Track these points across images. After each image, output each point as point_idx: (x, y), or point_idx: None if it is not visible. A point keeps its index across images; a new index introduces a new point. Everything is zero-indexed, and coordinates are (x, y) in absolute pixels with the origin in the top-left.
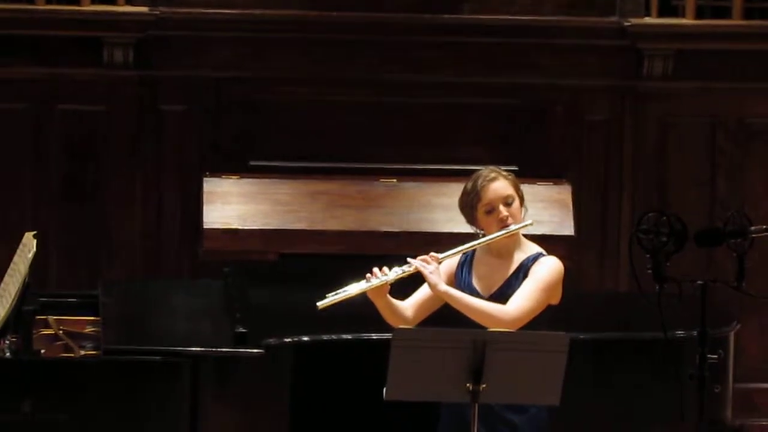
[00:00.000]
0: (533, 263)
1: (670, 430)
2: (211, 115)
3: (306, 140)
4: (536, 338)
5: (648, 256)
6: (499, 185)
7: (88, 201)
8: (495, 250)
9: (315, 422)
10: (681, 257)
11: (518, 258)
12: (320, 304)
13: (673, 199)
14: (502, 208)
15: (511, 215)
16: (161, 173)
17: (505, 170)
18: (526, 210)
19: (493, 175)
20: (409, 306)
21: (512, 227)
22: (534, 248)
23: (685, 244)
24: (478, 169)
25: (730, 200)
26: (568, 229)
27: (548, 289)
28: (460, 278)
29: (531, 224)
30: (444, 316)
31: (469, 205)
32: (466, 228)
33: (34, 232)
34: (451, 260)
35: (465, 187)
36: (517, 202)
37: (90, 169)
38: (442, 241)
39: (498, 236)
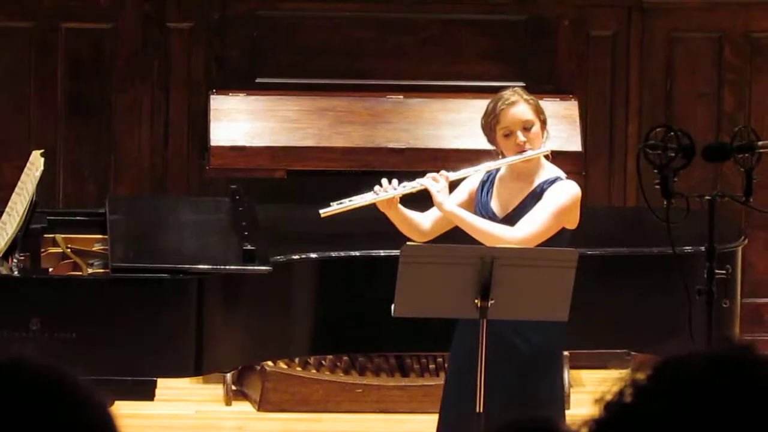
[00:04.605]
0: (548, 187)
1: (679, 346)
2: (218, 31)
3: (312, 56)
4: (545, 254)
5: (656, 171)
6: (519, 110)
7: (94, 119)
8: (515, 172)
9: (323, 340)
10: (688, 173)
11: (537, 181)
12: (323, 211)
13: (679, 114)
14: (519, 133)
15: (529, 140)
16: (168, 90)
17: (515, 86)
18: (548, 134)
19: (514, 98)
20: (428, 219)
21: (528, 153)
22: (554, 171)
23: (692, 159)
24: (503, 87)
25: (737, 115)
26: (575, 144)
27: (559, 214)
28: (480, 198)
29: (548, 152)
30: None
31: (488, 127)
32: (473, 144)
33: (42, 151)
34: (474, 178)
35: (486, 108)
36: (537, 127)
37: (96, 87)
38: (448, 158)
39: (512, 161)
